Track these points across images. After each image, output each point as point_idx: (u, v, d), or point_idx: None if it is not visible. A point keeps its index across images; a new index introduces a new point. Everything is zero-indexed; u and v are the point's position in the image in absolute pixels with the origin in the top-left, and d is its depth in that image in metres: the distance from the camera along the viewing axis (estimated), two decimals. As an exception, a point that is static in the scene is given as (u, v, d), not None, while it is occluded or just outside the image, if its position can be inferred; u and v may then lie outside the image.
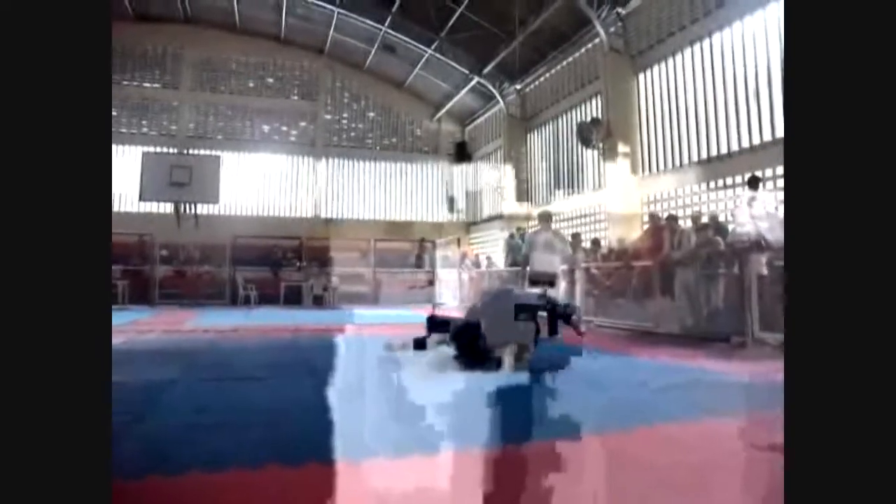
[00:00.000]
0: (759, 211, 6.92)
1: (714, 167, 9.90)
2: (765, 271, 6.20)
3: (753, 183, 7.46)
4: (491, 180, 17.03)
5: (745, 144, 9.27)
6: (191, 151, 17.20)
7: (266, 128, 18.51)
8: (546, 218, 7.55)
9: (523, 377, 4.26)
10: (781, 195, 7.30)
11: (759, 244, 6.46)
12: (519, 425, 2.98)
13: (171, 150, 17.02)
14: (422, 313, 11.85)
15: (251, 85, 18.48)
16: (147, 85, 17.67)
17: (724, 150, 9.75)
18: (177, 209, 16.27)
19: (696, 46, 10.35)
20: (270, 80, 18.63)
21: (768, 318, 5.86)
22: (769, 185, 8.29)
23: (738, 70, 9.43)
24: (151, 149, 16.79)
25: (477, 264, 15.47)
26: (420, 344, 5.46)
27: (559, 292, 8.00)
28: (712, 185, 9.96)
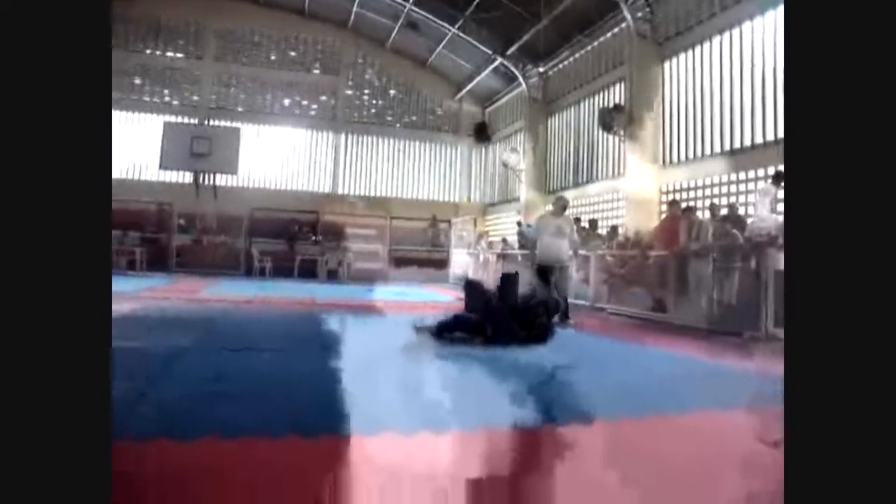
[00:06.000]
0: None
1: (737, 159, 9.75)
2: (782, 266, 6.14)
3: (778, 179, 7.35)
4: (509, 162, 16.90)
5: (770, 137, 9.11)
6: (211, 122, 17.30)
7: (287, 101, 18.49)
8: (561, 204, 7.45)
9: (534, 361, 4.28)
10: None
11: (777, 239, 6.39)
12: (527, 409, 3.00)
13: (192, 121, 17.15)
14: (435, 292, 11.93)
15: (273, 58, 18.42)
16: (170, 54, 17.71)
17: (747, 143, 9.59)
18: (196, 179, 16.46)
19: (726, 35, 10.14)
20: (293, 54, 18.56)
21: (783, 315, 5.81)
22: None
23: (767, 61, 9.23)
24: (173, 118, 16.92)
25: (492, 246, 15.45)
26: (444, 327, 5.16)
27: (570, 279, 8.01)
28: (734, 177, 9.83)
